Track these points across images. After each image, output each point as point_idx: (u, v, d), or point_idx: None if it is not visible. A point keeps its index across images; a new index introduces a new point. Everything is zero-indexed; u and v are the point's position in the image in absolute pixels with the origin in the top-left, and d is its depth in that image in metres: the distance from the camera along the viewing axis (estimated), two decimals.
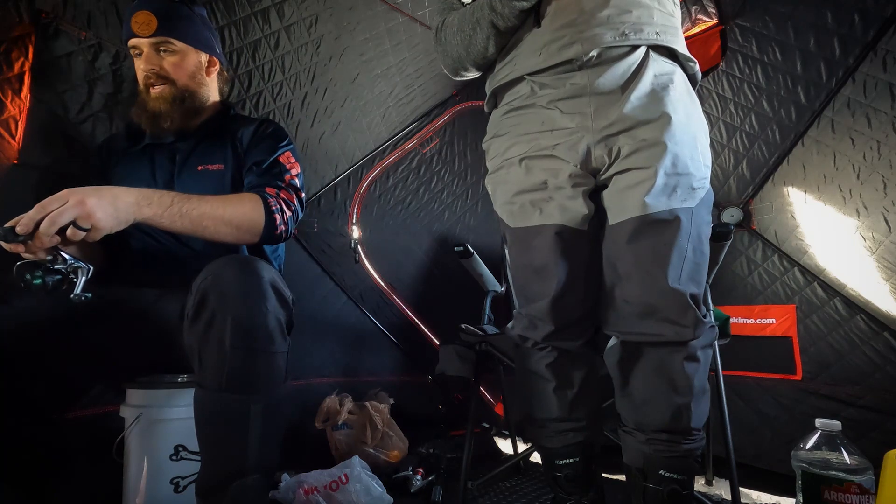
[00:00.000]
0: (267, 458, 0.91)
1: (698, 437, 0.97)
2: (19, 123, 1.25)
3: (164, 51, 1.17)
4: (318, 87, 1.84)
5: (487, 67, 1.14)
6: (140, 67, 1.18)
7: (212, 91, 1.28)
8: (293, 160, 1.23)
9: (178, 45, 1.18)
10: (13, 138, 1.25)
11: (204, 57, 1.25)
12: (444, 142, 2.36)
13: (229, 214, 1.02)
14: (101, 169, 1.25)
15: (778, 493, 1.53)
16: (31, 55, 1.25)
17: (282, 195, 1.14)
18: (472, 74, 1.18)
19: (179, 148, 1.23)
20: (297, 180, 1.21)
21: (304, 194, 1.22)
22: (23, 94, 1.26)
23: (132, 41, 1.16)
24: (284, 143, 1.24)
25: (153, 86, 1.18)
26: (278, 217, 1.10)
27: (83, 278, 0.83)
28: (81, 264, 0.84)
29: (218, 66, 1.30)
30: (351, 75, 1.89)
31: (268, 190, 1.13)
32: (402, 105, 2.13)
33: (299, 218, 1.19)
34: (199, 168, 1.20)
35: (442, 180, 2.40)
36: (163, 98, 1.18)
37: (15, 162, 1.25)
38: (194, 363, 0.90)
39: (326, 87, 1.86)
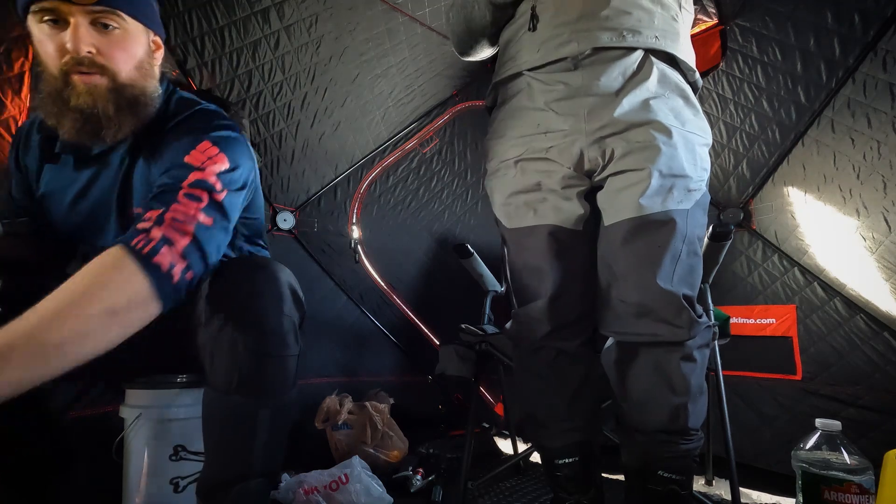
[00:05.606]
0: (271, 463, 0.90)
1: (696, 437, 0.97)
2: (19, 123, 1.25)
3: (106, 26, 0.83)
4: (318, 87, 1.84)
5: (492, 44, 1.17)
6: (61, 44, 0.81)
7: (156, 82, 0.95)
8: (216, 152, 0.85)
9: (128, 21, 0.85)
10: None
11: (151, 37, 0.93)
12: (444, 142, 2.36)
13: (85, 304, 0.66)
14: (21, 176, 0.97)
15: (778, 493, 1.53)
16: (31, 55, 1.25)
17: (167, 218, 0.75)
18: (480, 52, 1.20)
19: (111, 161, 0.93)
20: (211, 180, 0.82)
21: (227, 193, 0.84)
22: (23, 94, 1.26)
23: (51, 3, 0.79)
24: (211, 129, 0.88)
25: (79, 73, 0.82)
26: (164, 259, 0.72)
27: None
28: None
29: (163, 48, 0.97)
30: (351, 75, 1.89)
31: (138, 227, 0.75)
32: (402, 105, 2.13)
33: (217, 238, 0.81)
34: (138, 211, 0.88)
35: (442, 180, 2.40)
36: (97, 94, 0.83)
37: None
38: (205, 363, 0.87)
39: (326, 87, 1.86)
